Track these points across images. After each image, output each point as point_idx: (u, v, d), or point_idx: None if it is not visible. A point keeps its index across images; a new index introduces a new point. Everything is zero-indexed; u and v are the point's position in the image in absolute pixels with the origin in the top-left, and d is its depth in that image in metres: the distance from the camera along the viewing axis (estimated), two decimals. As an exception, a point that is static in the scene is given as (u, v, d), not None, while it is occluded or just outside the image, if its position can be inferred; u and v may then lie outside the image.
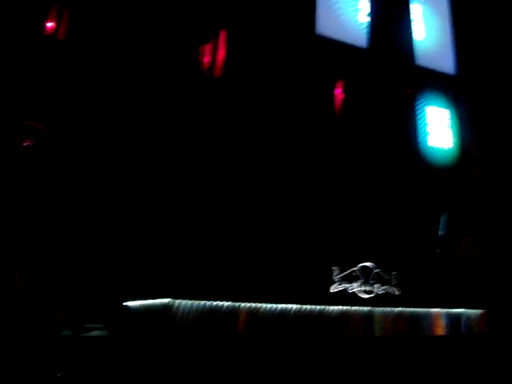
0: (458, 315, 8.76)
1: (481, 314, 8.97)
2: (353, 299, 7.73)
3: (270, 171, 8.20)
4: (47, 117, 7.92)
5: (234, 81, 9.09)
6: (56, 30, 8.52)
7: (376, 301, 7.89)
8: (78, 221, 7.17)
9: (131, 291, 6.86)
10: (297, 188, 8.09)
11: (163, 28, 8.93)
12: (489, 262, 9.40)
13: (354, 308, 7.79)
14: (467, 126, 11.81)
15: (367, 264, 7.87)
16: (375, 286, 7.84)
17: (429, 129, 11.27)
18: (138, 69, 8.49)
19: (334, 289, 7.52)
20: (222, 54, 9.29)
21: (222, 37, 9.20)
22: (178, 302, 6.64)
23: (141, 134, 8.05)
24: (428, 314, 8.47)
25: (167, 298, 6.57)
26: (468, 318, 8.83)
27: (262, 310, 7.16)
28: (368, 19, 11.36)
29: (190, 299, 6.69)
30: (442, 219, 9.62)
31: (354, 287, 7.67)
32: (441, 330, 8.60)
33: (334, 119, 10.28)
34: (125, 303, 7.27)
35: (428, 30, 12.18)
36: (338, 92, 10.61)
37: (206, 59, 9.32)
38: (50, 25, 8.48)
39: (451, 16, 12.67)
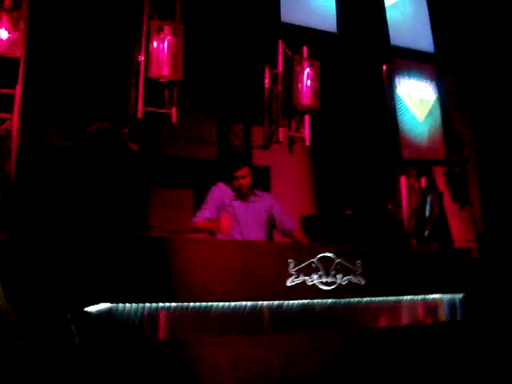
0: (435, 301, 8.33)
1: (460, 299, 8.52)
2: (313, 292, 7.38)
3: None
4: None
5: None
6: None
7: (339, 292, 7.53)
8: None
9: (73, 297, 6.63)
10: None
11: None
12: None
13: (315, 301, 7.45)
14: (449, 104, 11.40)
15: (328, 254, 7.52)
16: (337, 276, 7.48)
17: (410, 109, 10.90)
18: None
19: (290, 282, 7.19)
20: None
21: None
22: (119, 306, 6.40)
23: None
24: (400, 302, 8.07)
25: (107, 302, 6.33)
26: (445, 303, 8.39)
27: (213, 309, 6.89)
28: (336, 1, 11.04)
29: (132, 302, 6.44)
30: (428, 200, 9.26)
31: (314, 279, 7.33)
32: (416, 318, 8.19)
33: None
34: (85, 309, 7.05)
35: (403, 7, 11.75)
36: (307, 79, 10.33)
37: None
38: None
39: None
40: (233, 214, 8.03)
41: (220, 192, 8.14)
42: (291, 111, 10.08)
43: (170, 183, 9.98)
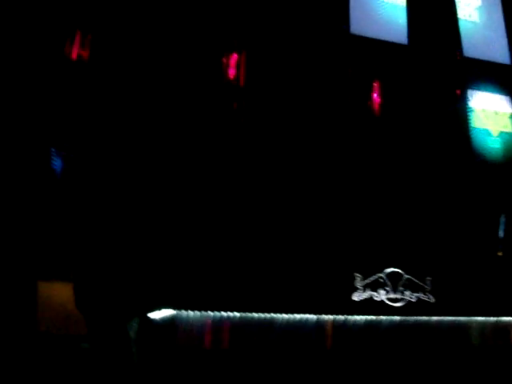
0: (508, 324, 7.88)
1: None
2: (380, 308, 7.12)
3: (294, 173, 7.86)
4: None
5: (263, 85, 8.85)
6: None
7: (408, 309, 7.24)
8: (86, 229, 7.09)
9: (137, 303, 6.65)
10: (318, 187, 7.67)
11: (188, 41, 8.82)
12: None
13: (382, 317, 7.18)
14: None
15: (396, 269, 7.25)
16: (406, 293, 7.19)
17: (480, 123, 10.41)
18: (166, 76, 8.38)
19: (357, 297, 6.97)
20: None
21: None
22: (182, 313, 6.38)
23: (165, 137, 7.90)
24: (472, 323, 7.68)
25: (171, 308, 6.33)
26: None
27: (277, 320, 6.76)
28: (406, 13, 10.73)
29: (196, 310, 6.41)
30: (502, 220, 8.83)
31: (381, 295, 7.08)
32: (488, 340, 7.77)
33: (374, 119, 9.78)
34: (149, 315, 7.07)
35: (477, 19, 11.26)
36: (378, 91, 10.10)
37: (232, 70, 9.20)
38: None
39: (503, 1, 11.68)
40: None
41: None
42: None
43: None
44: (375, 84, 10.04)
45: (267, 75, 9.08)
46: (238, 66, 9.22)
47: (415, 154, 9.28)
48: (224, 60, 9.12)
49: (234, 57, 9.26)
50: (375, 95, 9.96)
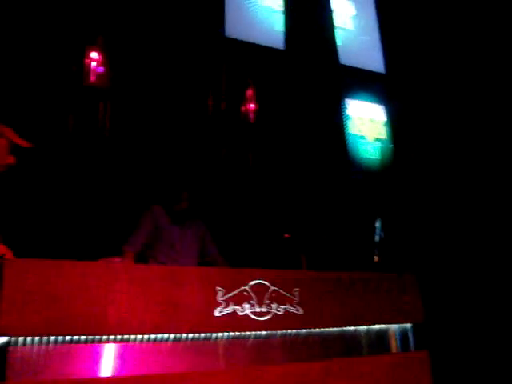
0: (383, 331, 7.70)
1: (411, 329, 7.93)
2: (245, 323, 6.69)
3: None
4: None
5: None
6: None
7: (275, 323, 6.86)
8: None
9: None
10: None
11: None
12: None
13: (248, 333, 6.75)
14: (401, 127, 10.98)
15: (261, 281, 6.86)
16: (272, 305, 6.81)
17: (357, 130, 10.45)
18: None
19: (219, 312, 6.49)
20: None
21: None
22: (18, 339, 5.62)
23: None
24: (344, 333, 7.43)
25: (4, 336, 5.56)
26: (394, 333, 7.78)
27: (130, 341, 6.14)
28: (284, 18, 10.68)
29: (34, 335, 5.67)
30: (378, 225, 8.71)
31: (246, 309, 6.64)
32: (362, 350, 7.54)
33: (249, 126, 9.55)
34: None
35: (353, 27, 11.40)
36: (253, 97, 9.85)
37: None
38: None
39: (377, 11, 11.95)
40: (169, 240, 7.38)
41: (155, 216, 7.47)
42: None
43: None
44: (250, 88, 9.82)
45: (134, 77, 8.61)
46: (102, 67, 8.69)
47: (289, 158, 9.10)
48: (86, 60, 8.55)
49: (99, 57, 8.72)
50: (250, 100, 9.72)
